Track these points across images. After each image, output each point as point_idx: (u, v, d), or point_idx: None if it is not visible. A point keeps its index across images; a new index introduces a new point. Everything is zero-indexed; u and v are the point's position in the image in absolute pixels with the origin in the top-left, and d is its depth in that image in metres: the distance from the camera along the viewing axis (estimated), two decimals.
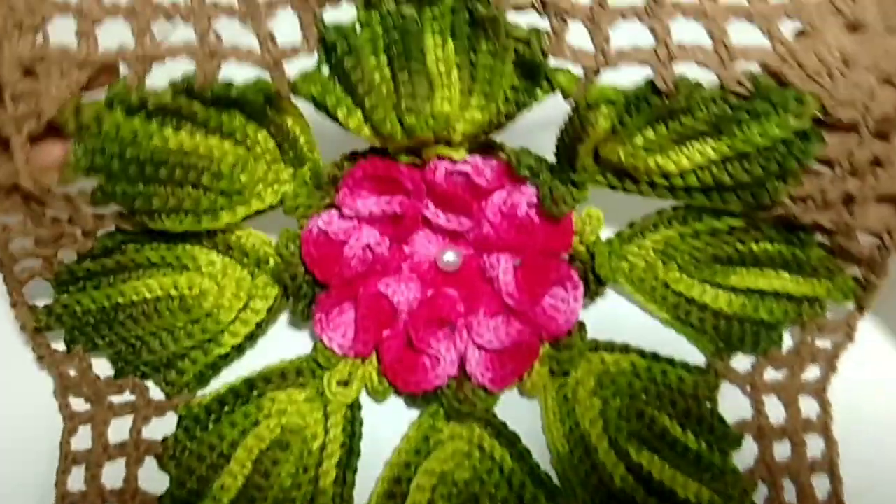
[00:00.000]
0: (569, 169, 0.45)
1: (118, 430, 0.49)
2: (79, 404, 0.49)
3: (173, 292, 0.48)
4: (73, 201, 0.42)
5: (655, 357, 0.49)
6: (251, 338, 0.49)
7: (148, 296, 0.47)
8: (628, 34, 0.38)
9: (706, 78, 0.39)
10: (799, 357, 0.48)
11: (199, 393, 0.50)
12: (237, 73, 0.40)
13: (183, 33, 0.38)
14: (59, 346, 0.49)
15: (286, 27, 0.39)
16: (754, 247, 0.46)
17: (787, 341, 0.49)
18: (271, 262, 0.49)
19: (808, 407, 0.48)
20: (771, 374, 0.49)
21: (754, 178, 0.41)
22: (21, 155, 0.37)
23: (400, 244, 0.49)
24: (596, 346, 0.49)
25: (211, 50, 0.38)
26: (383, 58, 0.40)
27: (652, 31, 0.37)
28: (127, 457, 0.48)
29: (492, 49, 0.40)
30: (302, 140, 0.46)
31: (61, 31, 0.37)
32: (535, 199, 0.46)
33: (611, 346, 0.49)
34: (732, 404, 0.48)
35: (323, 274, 0.47)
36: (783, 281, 0.47)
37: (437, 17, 0.39)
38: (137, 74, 0.38)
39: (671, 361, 0.48)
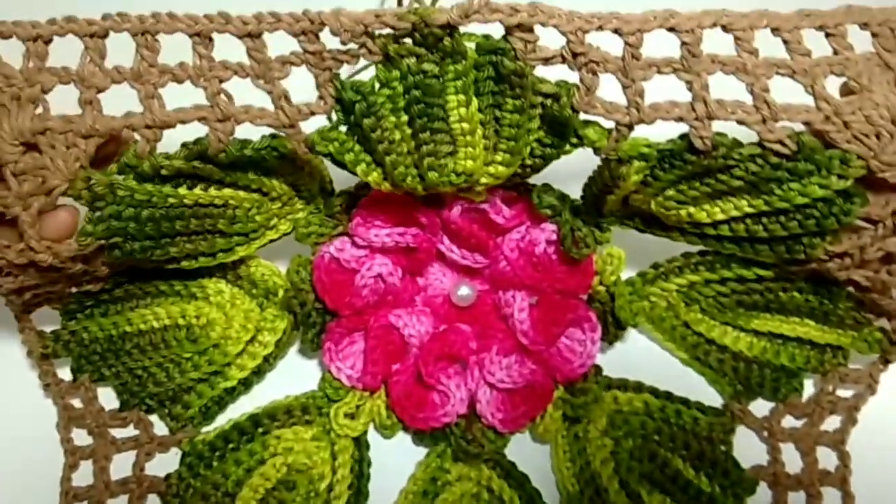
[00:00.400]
0: (594, 212, 0.44)
1: (121, 465, 0.48)
2: (81, 438, 0.48)
3: (181, 321, 0.47)
4: (89, 261, 0.41)
5: (669, 397, 0.48)
6: (258, 372, 0.49)
7: (155, 324, 0.47)
8: (663, 87, 0.36)
9: (744, 133, 0.36)
10: (818, 406, 0.47)
11: (204, 429, 0.49)
12: (251, 131, 0.39)
13: (193, 94, 0.36)
14: (65, 374, 0.49)
15: (300, 83, 0.37)
16: (782, 295, 0.45)
17: (808, 389, 0.48)
18: (280, 293, 0.48)
19: (827, 458, 0.47)
20: (789, 422, 0.48)
21: (790, 233, 0.39)
22: (32, 233, 0.36)
23: (413, 276, 0.48)
24: (609, 385, 0.48)
25: (223, 113, 0.36)
26: (404, 117, 0.38)
27: (688, 85, 0.35)
28: (129, 493, 0.48)
29: (518, 105, 0.37)
30: (317, 182, 0.45)
31: (65, 100, 0.36)
32: (554, 237, 0.46)
33: (624, 385, 0.48)
34: (748, 449, 0.47)
35: (333, 302, 0.47)
36: (807, 328, 0.46)
37: (460, 73, 0.36)
38: (148, 142, 0.37)
39: (686, 402, 0.48)
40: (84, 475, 0.48)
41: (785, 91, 0.35)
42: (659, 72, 0.35)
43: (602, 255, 0.47)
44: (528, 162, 0.40)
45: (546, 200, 0.45)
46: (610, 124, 0.37)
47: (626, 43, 0.34)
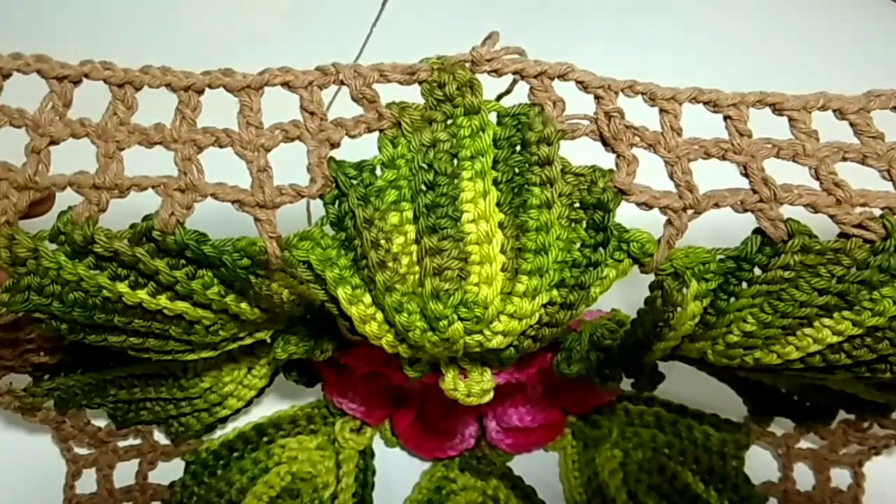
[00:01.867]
0: (632, 363, 0.36)
1: (124, 473, 0.48)
2: (80, 447, 0.48)
3: (164, 372, 0.45)
4: (19, 330, 0.35)
5: (682, 410, 0.47)
6: (259, 395, 0.48)
7: (138, 371, 0.43)
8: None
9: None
10: (844, 436, 0.46)
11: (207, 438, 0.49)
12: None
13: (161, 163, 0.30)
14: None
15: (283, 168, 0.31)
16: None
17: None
18: (266, 358, 0.46)
19: (840, 476, 0.47)
20: (807, 442, 0.47)
21: (878, 354, 0.31)
22: None
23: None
24: (620, 397, 0.48)
25: (185, 182, 0.29)
26: (407, 211, 0.30)
27: (742, 169, 0.29)
28: (133, 501, 0.48)
29: (545, 199, 0.30)
30: (293, 307, 0.35)
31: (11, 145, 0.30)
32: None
33: (636, 397, 0.48)
34: (759, 464, 0.47)
35: (324, 373, 0.46)
36: (855, 390, 0.40)
37: (478, 151, 0.30)
38: (89, 205, 0.29)
39: (699, 416, 0.47)
40: (87, 484, 0.48)
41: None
42: (706, 154, 0.29)
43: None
44: (557, 297, 0.31)
45: (574, 370, 0.36)
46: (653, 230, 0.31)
47: (662, 110, 0.29)
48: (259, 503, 0.46)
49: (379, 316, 0.31)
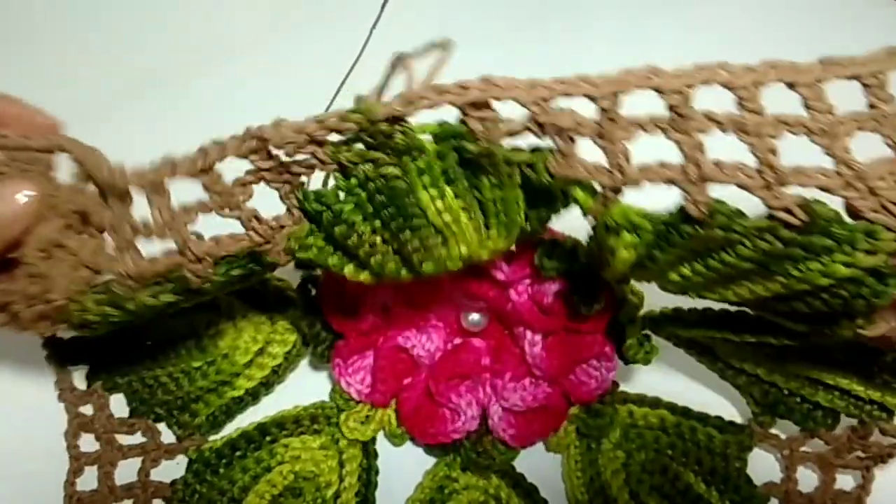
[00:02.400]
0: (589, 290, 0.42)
1: (126, 471, 0.48)
2: (87, 444, 0.48)
3: (188, 331, 0.48)
4: None
5: (686, 413, 0.48)
6: (267, 383, 0.49)
7: (167, 335, 0.47)
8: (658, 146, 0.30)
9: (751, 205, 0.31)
10: (849, 443, 0.46)
11: (211, 438, 0.49)
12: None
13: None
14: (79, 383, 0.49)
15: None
16: (818, 353, 0.42)
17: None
18: (290, 309, 0.48)
19: (844, 477, 0.47)
20: (813, 445, 0.47)
21: (816, 311, 0.33)
22: (30, 325, 0.35)
23: (417, 301, 0.48)
24: (625, 399, 0.48)
25: (195, 254, 0.33)
26: (377, 222, 0.34)
27: (679, 146, 0.30)
28: (134, 499, 0.48)
29: (495, 182, 0.33)
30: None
31: None
32: (559, 288, 0.44)
33: (641, 400, 0.48)
34: (762, 464, 0.47)
35: (339, 325, 0.47)
36: (850, 381, 0.42)
37: (424, 169, 0.32)
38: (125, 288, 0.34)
39: (703, 419, 0.47)
40: (89, 481, 0.48)
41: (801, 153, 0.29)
42: (644, 130, 0.30)
43: (620, 294, 0.43)
44: (527, 228, 0.36)
45: (549, 265, 0.41)
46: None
47: (602, 108, 0.29)
48: (261, 501, 0.46)
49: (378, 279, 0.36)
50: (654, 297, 0.44)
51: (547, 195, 0.34)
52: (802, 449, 0.47)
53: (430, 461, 0.49)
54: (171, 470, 0.48)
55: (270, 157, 0.32)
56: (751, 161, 0.29)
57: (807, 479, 0.47)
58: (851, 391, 0.43)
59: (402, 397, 0.48)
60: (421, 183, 0.32)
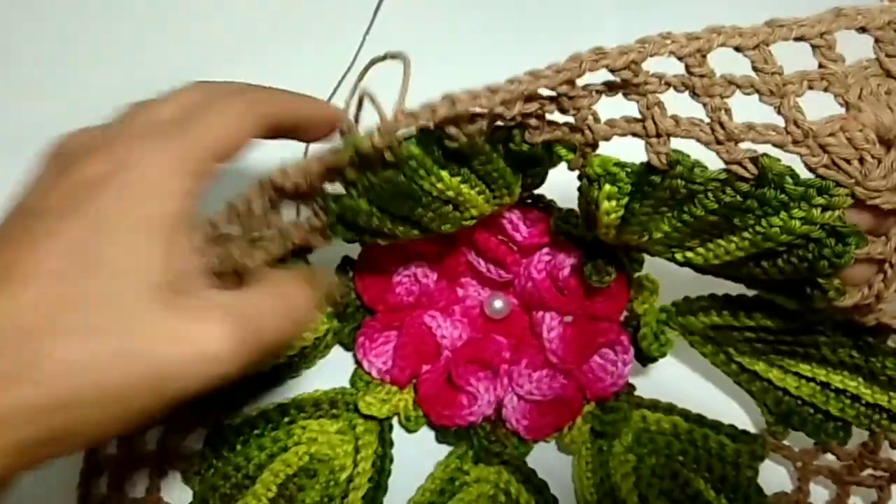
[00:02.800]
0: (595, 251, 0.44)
1: (145, 440, 0.49)
2: None
3: None
4: None
5: (700, 421, 0.48)
6: (291, 365, 0.50)
7: None
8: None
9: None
10: (860, 459, 0.45)
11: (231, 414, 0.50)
12: None
13: None
14: None
15: None
16: (823, 348, 0.43)
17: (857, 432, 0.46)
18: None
19: (857, 492, 0.47)
20: (827, 459, 0.47)
21: (787, 277, 0.35)
22: None
23: (450, 283, 0.50)
24: (639, 404, 0.49)
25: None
26: (396, 210, 0.36)
27: (638, 105, 0.33)
28: (151, 468, 0.48)
29: (482, 160, 0.35)
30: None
31: None
32: (576, 262, 0.46)
33: (655, 405, 0.49)
34: (773, 475, 0.48)
35: (370, 298, 0.49)
36: (856, 384, 0.43)
37: (417, 166, 0.34)
38: None
39: (717, 427, 0.48)
40: (107, 446, 0.49)
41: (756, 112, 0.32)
42: (606, 94, 0.33)
43: (635, 281, 0.47)
44: (530, 182, 0.39)
45: (564, 227, 0.44)
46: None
47: (560, 82, 0.31)
48: (276, 480, 0.47)
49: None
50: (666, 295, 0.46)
51: (533, 159, 0.36)
52: (815, 463, 0.47)
53: (442, 452, 0.50)
54: (189, 442, 0.49)
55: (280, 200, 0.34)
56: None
57: (818, 493, 0.47)
58: (860, 396, 0.43)
59: (421, 379, 0.49)
60: (418, 176, 0.34)
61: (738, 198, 0.33)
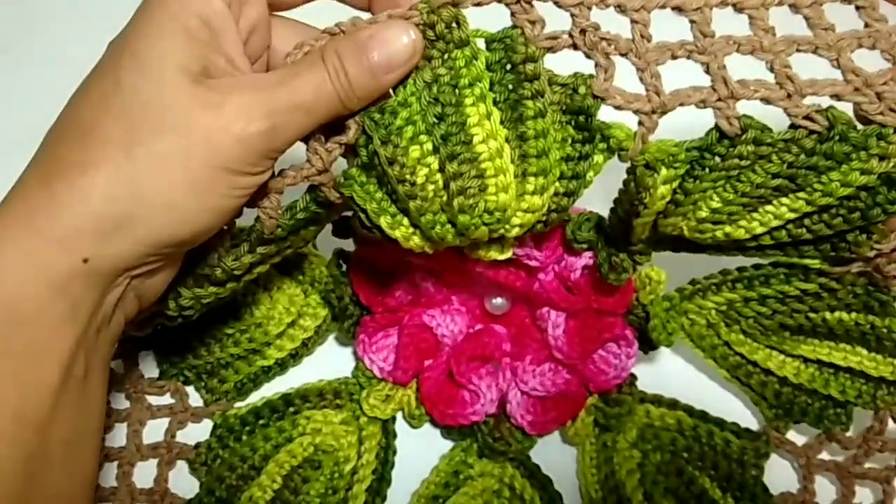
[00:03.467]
0: (625, 240, 0.42)
1: (153, 431, 0.50)
2: (117, 401, 0.50)
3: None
4: None
5: (704, 416, 0.48)
6: (296, 355, 0.51)
7: (205, 298, 0.47)
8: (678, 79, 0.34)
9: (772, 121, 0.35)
10: (866, 443, 0.46)
11: (237, 405, 0.51)
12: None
13: None
14: None
15: None
16: (828, 316, 0.44)
17: (859, 421, 0.46)
18: (324, 282, 0.50)
19: (862, 491, 0.46)
20: (832, 452, 0.47)
21: (836, 230, 0.37)
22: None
23: (447, 283, 0.49)
24: (643, 399, 0.49)
25: (268, 187, 0.36)
26: (427, 143, 0.34)
27: (705, 68, 0.33)
28: (159, 458, 0.49)
29: (539, 109, 0.34)
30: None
31: None
32: (590, 262, 0.45)
33: (658, 401, 0.49)
34: (780, 473, 0.47)
35: (367, 299, 0.49)
36: (860, 357, 0.43)
37: (474, 78, 0.34)
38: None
39: (721, 423, 0.48)
40: (117, 438, 0.50)
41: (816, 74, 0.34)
42: (673, 56, 0.33)
43: (641, 274, 0.46)
44: (560, 187, 0.36)
45: (582, 237, 0.43)
46: (632, 124, 0.35)
47: (633, 21, 0.33)
48: (281, 470, 0.48)
49: (417, 234, 0.36)
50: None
51: (584, 136, 0.35)
52: (819, 457, 0.47)
53: (447, 446, 0.50)
54: (197, 433, 0.50)
55: None
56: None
57: (825, 490, 0.47)
58: (864, 370, 0.43)
59: (423, 377, 0.49)
60: (471, 95, 0.34)
61: (803, 156, 0.34)
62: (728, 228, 0.38)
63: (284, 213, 0.36)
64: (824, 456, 0.47)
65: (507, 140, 0.35)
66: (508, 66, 0.34)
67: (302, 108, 0.32)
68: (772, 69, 0.33)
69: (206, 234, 0.33)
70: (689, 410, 0.49)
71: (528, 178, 0.35)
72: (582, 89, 0.34)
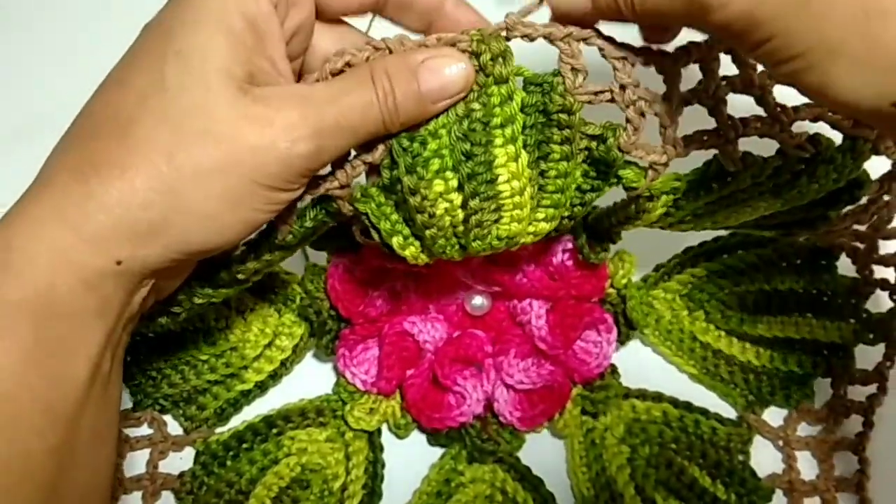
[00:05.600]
0: (605, 230, 0.45)
1: (134, 463, 0.50)
2: None
3: (199, 324, 0.48)
4: None
5: (688, 407, 0.50)
6: (275, 375, 0.51)
7: (173, 326, 0.46)
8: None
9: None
10: (833, 411, 0.49)
11: (218, 430, 0.51)
12: None
13: None
14: None
15: None
16: (780, 286, 0.48)
17: (826, 395, 0.50)
18: (298, 300, 0.50)
19: (845, 464, 0.49)
20: (805, 429, 0.50)
21: (802, 217, 0.42)
22: None
23: (427, 287, 0.50)
24: (627, 394, 0.50)
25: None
26: (452, 180, 0.34)
27: (711, 111, 0.35)
28: (143, 490, 0.49)
29: (566, 153, 0.35)
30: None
31: None
32: (569, 246, 0.47)
33: (643, 395, 0.50)
34: (765, 457, 0.49)
35: (346, 310, 0.49)
36: (811, 327, 0.47)
37: (508, 119, 0.34)
38: None
39: (705, 412, 0.49)
40: None
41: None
42: (688, 103, 0.35)
43: (613, 259, 0.49)
44: (567, 213, 0.38)
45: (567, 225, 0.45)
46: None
47: (666, 75, 0.34)
48: (269, 493, 0.48)
49: (426, 253, 0.38)
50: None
51: (601, 175, 0.37)
52: (797, 434, 0.50)
53: (436, 455, 0.50)
54: (180, 462, 0.50)
55: None
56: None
57: (808, 469, 0.49)
58: (815, 338, 0.47)
59: (407, 384, 0.49)
60: (501, 136, 0.34)
61: (789, 176, 0.37)
62: (707, 223, 0.42)
63: (296, 221, 0.37)
64: (800, 433, 0.50)
65: (530, 180, 0.36)
66: (542, 111, 0.34)
67: (348, 130, 0.32)
68: (763, 103, 0.35)
69: (236, 244, 0.33)
70: (674, 402, 0.50)
71: (541, 209, 0.37)
72: (610, 141, 0.35)
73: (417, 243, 0.37)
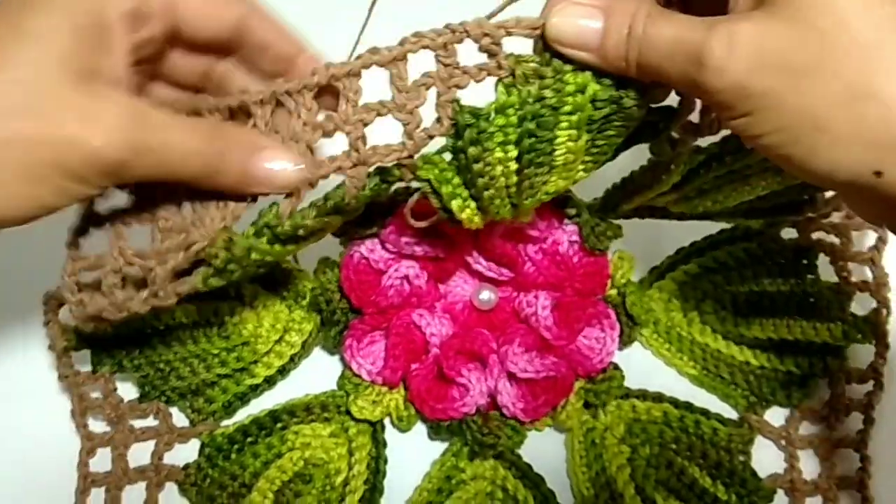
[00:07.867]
0: (609, 212, 0.49)
1: (140, 453, 0.51)
2: (98, 426, 0.51)
3: (213, 318, 0.50)
4: None
5: (689, 407, 0.50)
6: (283, 370, 0.52)
7: (185, 320, 0.48)
8: None
9: None
10: (833, 410, 0.50)
11: (224, 423, 0.52)
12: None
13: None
14: (84, 367, 0.51)
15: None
16: (768, 287, 0.49)
17: (826, 394, 0.51)
18: (308, 296, 0.51)
19: (846, 462, 0.49)
20: (807, 428, 0.51)
21: (793, 198, 0.45)
22: (163, 286, 0.36)
23: (437, 281, 0.52)
24: (628, 394, 0.51)
25: (360, 158, 0.37)
26: (512, 151, 0.36)
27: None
28: (147, 481, 0.50)
29: (622, 131, 0.38)
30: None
31: None
32: (575, 237, 0.50)
33: (644, 395, 0.51)
34: (766, 457, 0.50)
35: (358, 300, 0.50)
36: (802, 328, 0.48)
37: (577, 107, 0.35)
38: (295, 200, 0.37)
39: (705, 413, 0.50)
40: (102, 462, 0.50)
41: None
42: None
43: (613, 258, 0.51)
44: (601, 164, 0.41)
45: (571, 211, 0.49)
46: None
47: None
48: (272, 487, 0.49)
49: (480, 215, 0.41)
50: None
51: (653, 140, 0.40)
52: (798, 434, 0.50)
53: (438, 452, 0.51)
54: (185, 453, 0.51)
55: (454, 55, 0.36)
56: None
57: (810, 468, 0.50)
58: (808, 338, 0.48)
59: (411, 376, 0.50)
60: (567, 121, 0.36)
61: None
62: (708, 203, 0.45)
63: (361, 188, 0.38)
64: (802, 433, 0.50)
65: (584, 152, 0.38)
66: (616, 102, 0.36)
67: (164, 164, 0.33)
68: None
69: (23, 221, 0.33)
70: (675, 402, 0.51)
71: (580, 164, 0.39)
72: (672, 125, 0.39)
73: (474, 205, 0.40)
